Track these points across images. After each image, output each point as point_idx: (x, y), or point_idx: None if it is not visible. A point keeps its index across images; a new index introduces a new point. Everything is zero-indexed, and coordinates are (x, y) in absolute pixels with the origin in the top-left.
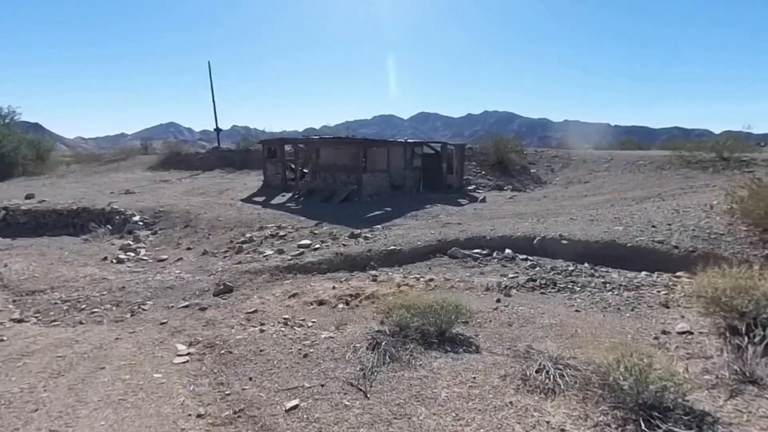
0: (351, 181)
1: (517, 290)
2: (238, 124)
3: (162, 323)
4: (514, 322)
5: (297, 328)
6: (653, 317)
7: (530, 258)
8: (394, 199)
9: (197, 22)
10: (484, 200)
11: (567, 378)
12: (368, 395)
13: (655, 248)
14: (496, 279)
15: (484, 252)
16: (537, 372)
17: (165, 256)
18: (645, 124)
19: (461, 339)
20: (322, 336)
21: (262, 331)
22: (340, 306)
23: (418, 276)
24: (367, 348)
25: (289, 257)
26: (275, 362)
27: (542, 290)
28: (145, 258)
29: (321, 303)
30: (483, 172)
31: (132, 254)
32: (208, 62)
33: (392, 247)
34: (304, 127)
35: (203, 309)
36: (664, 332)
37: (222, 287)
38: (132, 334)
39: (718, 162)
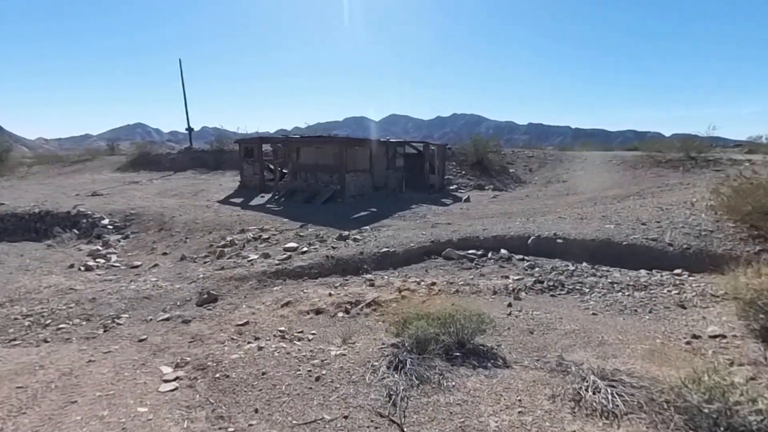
0: (333, 181)
1: (526, 293)
2: (208, 125)
3: (141, 340)
4: (534, 329)
5: (297, 343)
6: (674, 319)
7: (526, 258)
8: (377, 199)
9: (166, 17)
10: (468, 200)
11: (626, 397)
12: (405, 429)
13: (650, 246)
14: (501, 281)
15: (479, 252)
16: (590, 391)
17: (139, 263)
18: (602, 127)
19: (484, 350)
20: (332, 353)
21: (260, 348)
22: (340, 315)
23: (417, 279)
24: (388, 367)
25: (277, 261)
26: (283, 388)
27: (551, 292)
28: (116, 264)
29: (318, 312)
30: (463, 172)
31: (102, 261)
32: (179, 59)
33: (385, 249)
34: (276, 129)
35: (187, 322)
36: (694, 336)
37: (206, 296)
38: (107, 354)
39: (686, 161)
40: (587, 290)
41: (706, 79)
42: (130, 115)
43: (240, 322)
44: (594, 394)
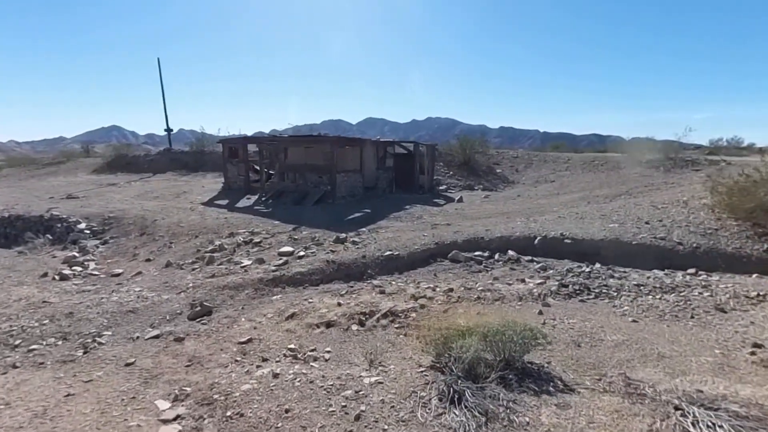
0: (324, 182)
1: (553, 298)
2: (185, 127)
3: (128, 364)
4: (581, 342)
5: (314, 364)
6: (720, 325)
7: (535, 259)
8: (369, 200)
9: (142, 15)
10: (461, 200)
11: None
12: None
13: (659, 245)
14: (523, 286)
15: (485, 254)
16: (699, 428)
17: (120, 270)
18: (569, 130)
19: (535, 370)
20: (365, 381)
21: (275, 375)
22: (354, 328)
23: (431, 285)
24: (441, 399)
25: (273, 267)
26: (316, 431)
27: (579, 297)
28: (95, 273)
29: (329, 325)
30: (451, 173)
31: (79, 269)
32: (158, 59)
33: (389, 253)
34: (254, 131)
35: (180, 339)
36: (756, 345)
37: (198, 308)
38: (88, 384)
39: (666, 162)
40: (614, 294)
41: (663, 89)
42: (105, 117)
43: (242, 340)
44: (708, 431)
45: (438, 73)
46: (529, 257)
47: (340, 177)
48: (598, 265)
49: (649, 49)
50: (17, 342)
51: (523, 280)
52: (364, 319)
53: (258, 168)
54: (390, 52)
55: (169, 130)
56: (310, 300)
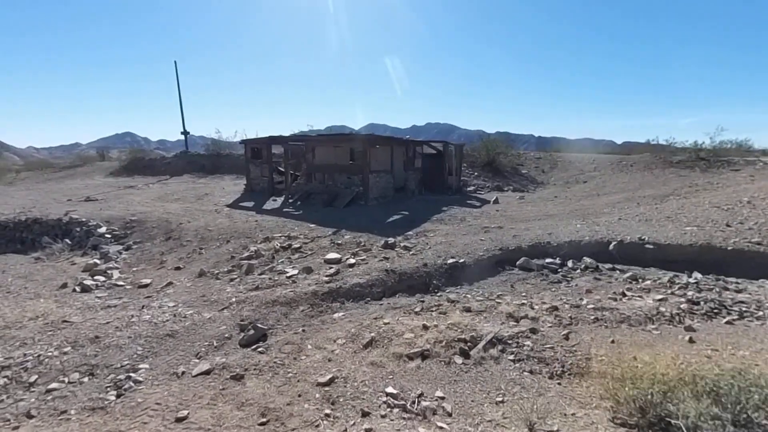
0: (354, 182)
1: (692, 320)
2: (195, 134)
3: (180, 419)
4: None
5: (437, 421)
6: None
7: (617, 267)
8: (402, 202)
9: (156, 28)
10: (497, 201)
11: None
12: None
13: (758, 251)
14: (641, 302)
15: (557, 261)
16: None
17: (148, 280)
18: (562, 135)
19: None
20: None
21: None
22: (459, 361)
23: (523, 302)
24: None
25: (325, 278)
26: None
27: (722, 318)
28: (120, 283)
29: (424, 356)
30: (476, 173)
31: (102, 278)
32: (174, 61)
33: (451, 260)
34: (259, 136)
35: (239, 378)
36: None
37: (252, 331)
38: None
39: (697, 162)
40: (759, 312)
41: (649, 95)
42: (118, 124)
43: (322, 380)
44: None
45: (436, 81)
46: (610, 265)
47: (372, 178)
48: (698, 275)
49: (635, 57)
50: (33, 378)
51: (624, 293)
52: (466, 347)
53: (282, 169)
54: (391, 60)
55: (185, 132)
56: (384, 320)
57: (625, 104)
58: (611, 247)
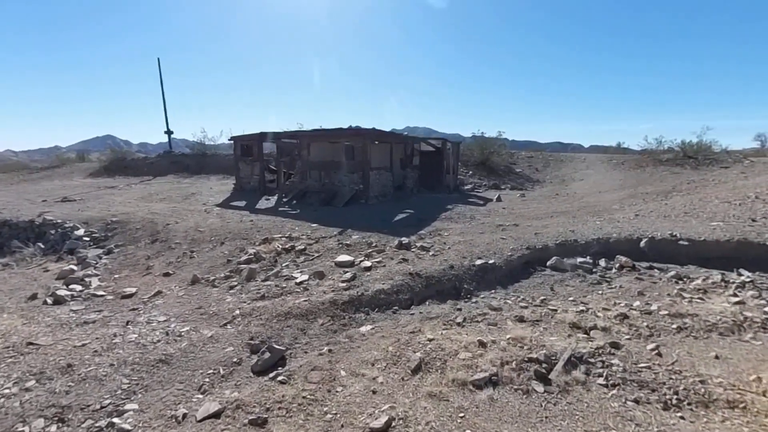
0: (353, 180)
1: None
2: (177, 136)
3: None
4: None
5: None
6: None
7: (655, 265)
8: (402, 200)
9: (135, 28)
10: (499, 199)
11: None
12: None
13: None
14: (716, 307)
15: (589, 260)
16: None
17: (132, 289)
18: (534, 138)
19: None
20: None
21: None
22: (540, 389)
23: (583, 308)
24: None
25: (342, 284)
26: None
27: None
28: (100, 293)
29: (494, 382)
30: (470, 172)
31: (78, 287)
32: (158, 59)
33: (480, 262)
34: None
35: (262, 424)
36: None
37: (266, 354)
38: None
39: (686, 160)
40: None
41: (612, 102)
42: (99, 127)
43: (376, 425)
44: None
45: (414, 87)
46: (647, 264)
47: (372, 175)
48: (747, 273)
49: (600, 67)
50: None
51: (680, 295)
52: (542, 370)
53: (273, 167)
54: (369, 69)
55: (169, 132)
56: (425, 335)
57: (589, 109)
58: (642, 244)
